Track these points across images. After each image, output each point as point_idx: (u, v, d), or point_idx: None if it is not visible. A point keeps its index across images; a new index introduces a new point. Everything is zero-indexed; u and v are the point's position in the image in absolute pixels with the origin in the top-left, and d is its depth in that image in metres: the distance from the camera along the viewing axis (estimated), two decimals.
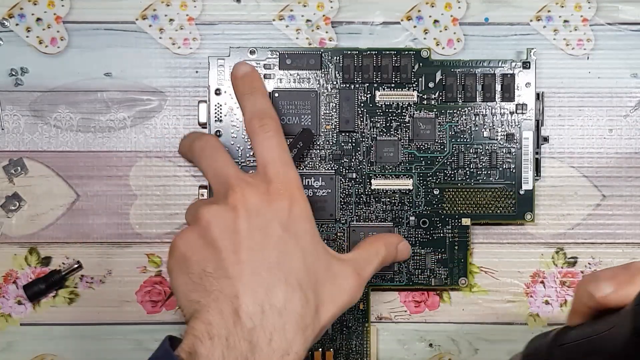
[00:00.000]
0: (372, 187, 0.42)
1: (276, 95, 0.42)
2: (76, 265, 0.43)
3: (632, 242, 0.44)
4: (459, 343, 0.44)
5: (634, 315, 0.25)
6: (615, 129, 0.44)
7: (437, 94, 0.42)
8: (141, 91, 0.44)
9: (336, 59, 0.42)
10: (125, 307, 0.44)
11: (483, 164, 0.42)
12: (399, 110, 0.43)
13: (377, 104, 0.42)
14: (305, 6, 0.44)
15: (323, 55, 0.42)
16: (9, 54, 0.44)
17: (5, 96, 0.44)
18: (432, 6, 0.44)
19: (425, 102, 0.42)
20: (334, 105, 0.42)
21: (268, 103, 0.37)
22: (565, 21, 0.45)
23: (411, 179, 0.42)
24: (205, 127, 0.42)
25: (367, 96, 0.42)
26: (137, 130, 0.44)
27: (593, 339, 0.27)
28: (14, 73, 0.44)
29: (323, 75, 0.42)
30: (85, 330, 0.44)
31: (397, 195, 0.42)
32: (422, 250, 0.42)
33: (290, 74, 0.42)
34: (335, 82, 0.42)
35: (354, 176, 0.42)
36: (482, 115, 0.42)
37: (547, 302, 0.44)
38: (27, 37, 0.44)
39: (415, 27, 0.44)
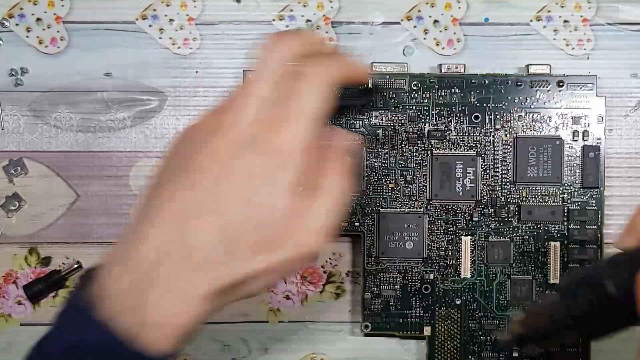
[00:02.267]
0: (457, 240, 0.42)
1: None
2: (76, 266, 0.43)
3: None
4: None
5: None
6: (615, 129, 0.44)
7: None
8: (141, 91, 0.44)
9: None
10: None
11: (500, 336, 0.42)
12: (543, 248, 0.42)
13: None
14: (305, 6, 0.44)
15: None
16: (9, 54, 0.44)
17: (5, 96, 0.44)
18: (432, 6, 0.44)
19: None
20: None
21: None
22: (565, 21, 0.45)
23: (472, 272, 0.42)
24: None
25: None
26: (137, 130, 0.44)
27: None
28: (14, 73, 0.44)
29: None
30: None
31: (445, 261, 0.42)
32: (392, 291, 0.42)
33: None
34: None
35: (463, 225, 0.42)
36: None
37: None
38: (27, 37, 0.44)
39: (415, 27, 0.44)
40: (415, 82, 0.42)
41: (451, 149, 0.42)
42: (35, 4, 0.44)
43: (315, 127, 0.27)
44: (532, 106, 0.42)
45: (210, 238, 0.26)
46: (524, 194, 0.42)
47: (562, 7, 0.45)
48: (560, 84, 0.42)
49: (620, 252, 0.29)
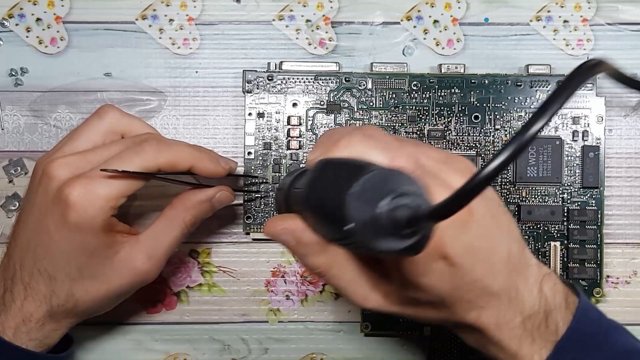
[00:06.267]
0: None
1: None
2: None
3: (632, 242, 0.44)
4: None
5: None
6: (615, 129, 0.44)
7: None
8: (141, 91, 0.44)
9: None
10: (125, 307, 0.44)
11: None
12: (543, 248, 0.42)
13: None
14: (305, 6, 0.44)
15: None
16: (9, 54, 0.44)
17: (5, 96, 0.44)
18: (432, 6, 0.44)
19: None
20: None
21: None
22: (565, 21, 0.45)
23: None
24: None
25: None
26: None
27: (301, 191, 0.30)
28: (14, 73, 0.44)
29: None
30: (85, 330, 0.44)
31: None
32: None
33: None
34: None
35: None
36: None
37: None
38: (27, 37, 0.44)
39: (415, 27, 0.44)
40: (415, 82, 0.42)
41: (451, 149, 0.42)
42: (35, 4, 0.44)
43: None
44: (532, 106, 0.43)
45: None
46: (523, 194, 0.42)
47: (562, 7, 0.45)
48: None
49: (305, 170, 0.33)
